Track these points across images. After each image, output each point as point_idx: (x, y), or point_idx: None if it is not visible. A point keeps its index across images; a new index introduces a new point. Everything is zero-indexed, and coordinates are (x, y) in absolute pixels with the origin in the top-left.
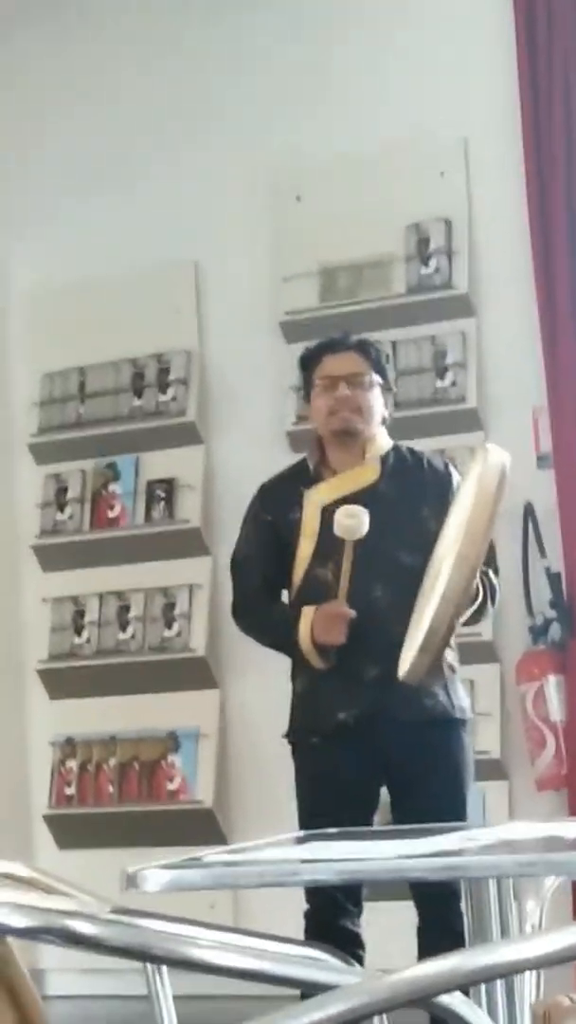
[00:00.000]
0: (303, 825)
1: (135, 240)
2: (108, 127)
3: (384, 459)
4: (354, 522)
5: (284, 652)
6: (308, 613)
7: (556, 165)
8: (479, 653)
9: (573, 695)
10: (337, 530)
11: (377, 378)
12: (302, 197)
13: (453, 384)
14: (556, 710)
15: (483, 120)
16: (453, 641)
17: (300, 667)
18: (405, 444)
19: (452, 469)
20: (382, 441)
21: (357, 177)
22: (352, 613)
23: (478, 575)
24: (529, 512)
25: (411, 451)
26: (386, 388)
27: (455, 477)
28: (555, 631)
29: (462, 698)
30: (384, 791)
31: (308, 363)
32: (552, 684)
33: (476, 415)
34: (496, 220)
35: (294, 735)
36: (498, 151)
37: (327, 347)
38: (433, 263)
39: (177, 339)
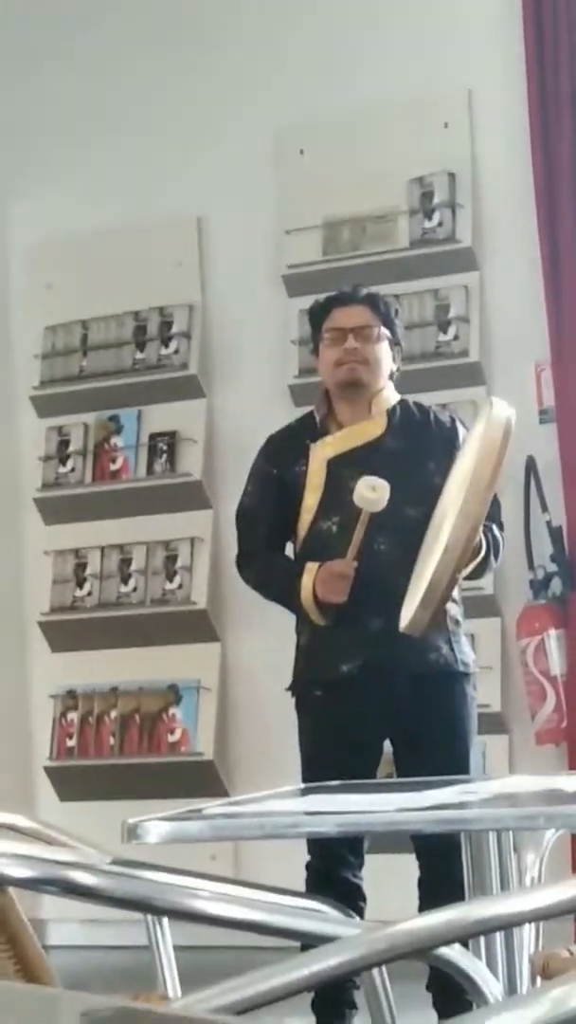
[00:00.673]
0: (306, 778)
1: (137, 194)
2: (110, 83)
3: (391, 413)
4: (375, 496)
5: (286, 605)
6: (312, 569)
7: (561, 116)
8: (480, 607)
9: (573, 649)
10: (357, 500)
11: (386, 331)
12: (305, 151)
13: (456, 338)
14: (556, 664)
15: (487, 72)
16: (458, 595)
17: (304, 620)
18: (412, 398)
19: (458, 423)
20: (389, 395)
21: (360, 130)
22: (353, 573)
23: (480, 530)
24: (531, 466)
25: (418, 405)
26: (395, 343)
27: (461, 431)
28: (556, 585)
29: (466, 652)
30: (387, 744)
31: (317, 316)
32: (553, 638)
33: (479, 369)
34: (500, 173)
35: (297, 687)
36: (502, 103)
37: (336, 300)
38: (436, 216)
39: (179, 292)
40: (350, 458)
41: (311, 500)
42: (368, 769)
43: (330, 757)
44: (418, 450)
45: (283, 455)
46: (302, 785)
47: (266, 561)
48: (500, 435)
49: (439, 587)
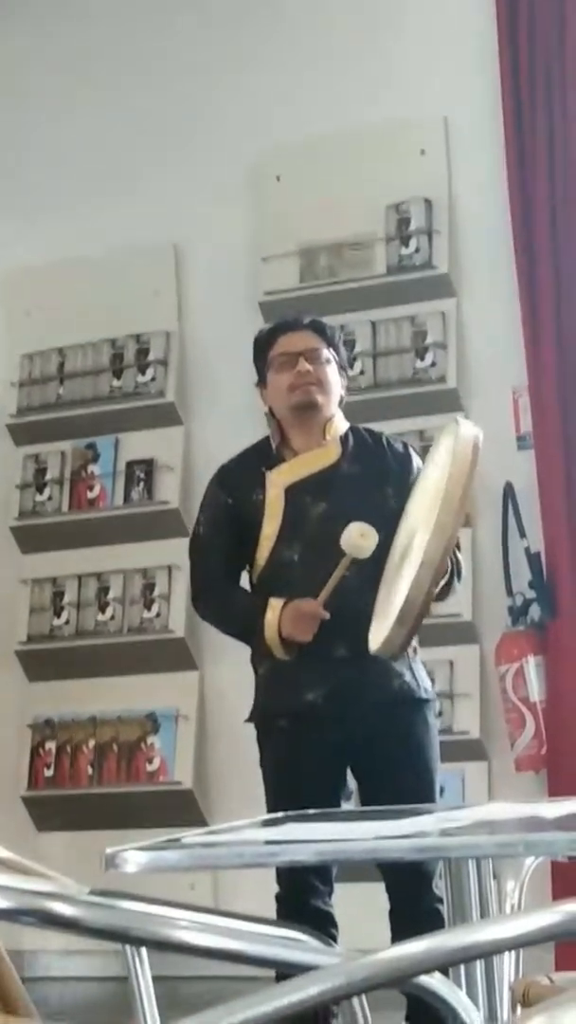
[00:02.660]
0: (272, 808)
1: (114, 221)
2: (87, 110)
3: (344, 440)
4: (366, 543)
5: (245, 641)
6: (276, 606)
7: (537, 143)
8: (459, 634)
9: (552, 676)
10: (345, 545)
11: (333, 354)
12: (282, 177)
13: (433, 364)
14: (535, 691)
15: (464, 99)
16: None
17: (262, 653)
18: (362, 425)
19: (411, 450)
20: (340, 422)
21: (337, 157)
22: (326, 615)
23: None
24: (509, 492)
25: (369, 431)
26: (341, 366)
27: (415, 458)
28: (535, 612)
29: (425, 679)
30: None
31: (262, 345)
32: (532, 665)
33: (456, 395)
34: (477, 200)
35: (259, 717)
36: (479, 130)
37: (281, 327)
38: (413, 243)
39: (156, 320)
40: (308, 485)
41: (270, 528)
42: (333, 799)
43: (296, 786)
44: (375, 476)
45: (238, 483)
46: (281, 814)
47: (224, 595)
48: (470, 451)
49: (415, 603)
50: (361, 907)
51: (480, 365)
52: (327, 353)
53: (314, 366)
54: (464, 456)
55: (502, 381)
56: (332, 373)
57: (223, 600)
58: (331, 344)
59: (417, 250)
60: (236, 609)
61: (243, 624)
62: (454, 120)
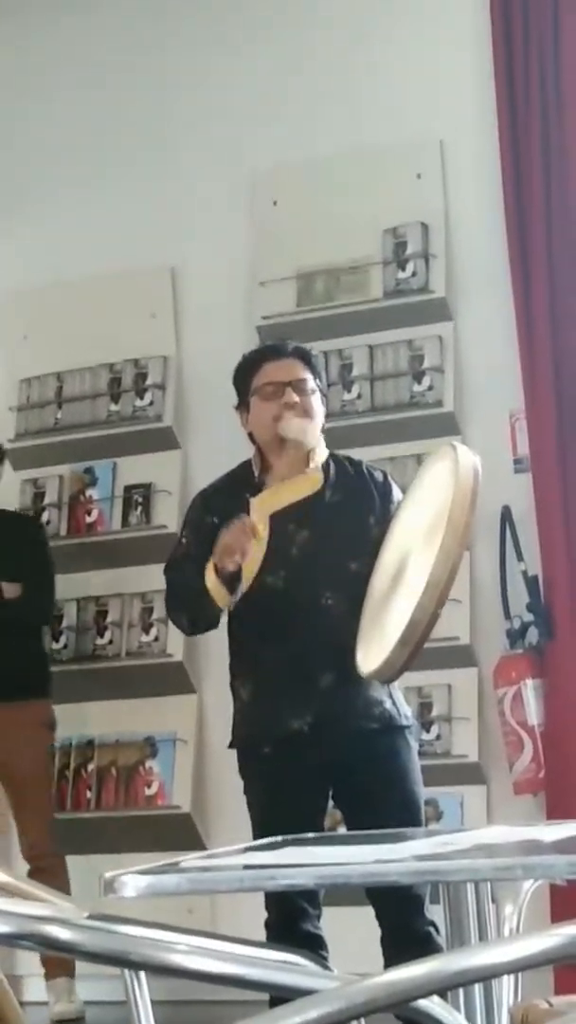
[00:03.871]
0: (258, 835)
1: (112, 245)
2: (84, 131)
3: (326, 467)
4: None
5: (200, 616)
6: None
7: (533, 166)
8: (457, 657)
9: (550, 699)
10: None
11: (318, 383)
12: (279, 202)
13: (430, 388)
14: (534, 714)
15: (459, 122)
16: None
17: (244, 675)
18: (341, 453)
19: (391, 479)
20: (321, 450)
21: (334, 181)
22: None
23: None
24: (506, 516)
25: (349, 460)
26: (323, 393)
27: (395, 489)
28: (532, 635)
29: (404, 705)
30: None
31: (247, 369)
32: (530, 688)
33: (453, 419)
34: (473, 224)
35: (242, 744)
36: (475, 153)
37: (267, 354)
38: (410, 267)
39: (154, 344)
40: (291, 513)
41: (255, 554)
42: (316, 825)
43: (282, 813)
44: (357, 504)
45: (222, 506)
46: (279, 838)
47: (186, 583)
48: (471, 478)
49: (420, 624)
50: (349, 930)
51: (477, 389)
52: (313, 383)
53: (301, 397)
54: (467, 482)
55: (499, 404)
56: (317, 403)
57: (183, 586)
58: (316, 373)
59: (414, 274)
60: (190, 584)
61: (194, 588)
62: (450, 144)
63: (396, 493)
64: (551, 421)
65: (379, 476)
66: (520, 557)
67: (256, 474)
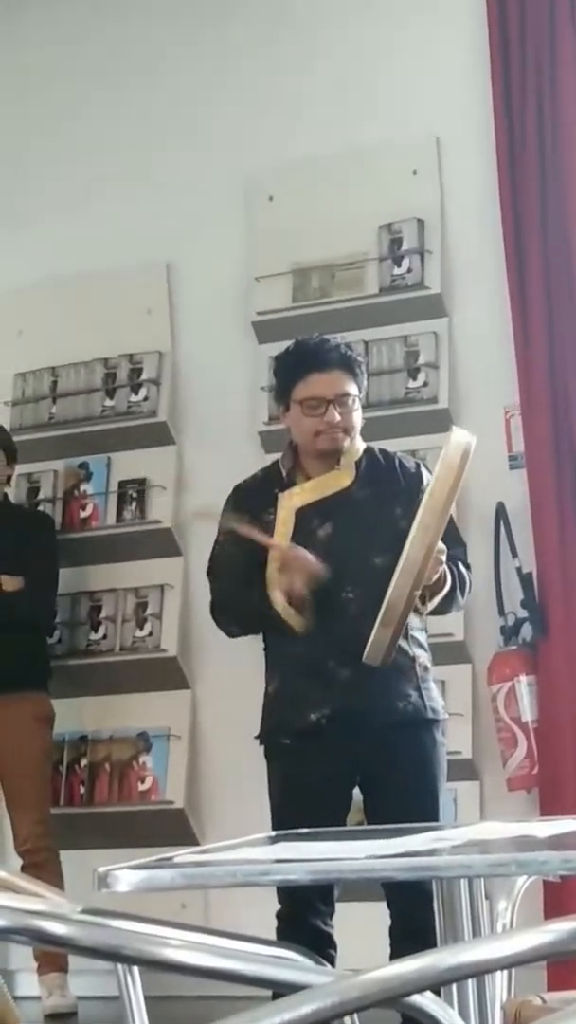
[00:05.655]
0: (276, 826)
1: (107, 240)
2: (80, 128)
3: (358, 463)
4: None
5: (267, 629)
6: (273, 577)
7: (529, 163)
8: (451, 653)
9: (544, 695)
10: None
11: (361, 389)
12: (274, 197)
13: (425, 384)
14: (527, 710)
15: (456, 118)
16: (426, 641)
17: (272, 668)
18: (377, 445)
19: (423, 468)
20: (357, 445)
21: (329, 177)
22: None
23: (444, 562)
24: (501, 512)
25: (383, 452)
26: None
27: (426, 476)
28: (526, 631)
29: (436, 699)
30: (357, 791)
31: (290, 375)
32: (524, 684)
33: (448, 415)
34: (469, 220)
35: (266, 736)
36: (471, 150)
37: (313, 364)
38: (406, 263)
39: (149, 339)
40: (317, 508)
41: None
42: (338, 817)
43: (299, 805)
44: (384, 497)
45: (252, 502)
46: (273, 833)
47: (241, 595)
48: (459, 456)
49: (397, 604)
50: (362, 927)
51: (472, 385)
52: (356, 395)
53: (343, 415)
54: (451, 460)
55: (494, 401)
56: (358, 416)
57: (240, 599)
58: (359, 382)
59: (409, 270)
60: (250, 601)
61: (256, 609)
62: (446, 140)
63: (427, 479)
64: (546, 417)
65: (411, 466)
66: (514, 553)
67: (286, 470)
